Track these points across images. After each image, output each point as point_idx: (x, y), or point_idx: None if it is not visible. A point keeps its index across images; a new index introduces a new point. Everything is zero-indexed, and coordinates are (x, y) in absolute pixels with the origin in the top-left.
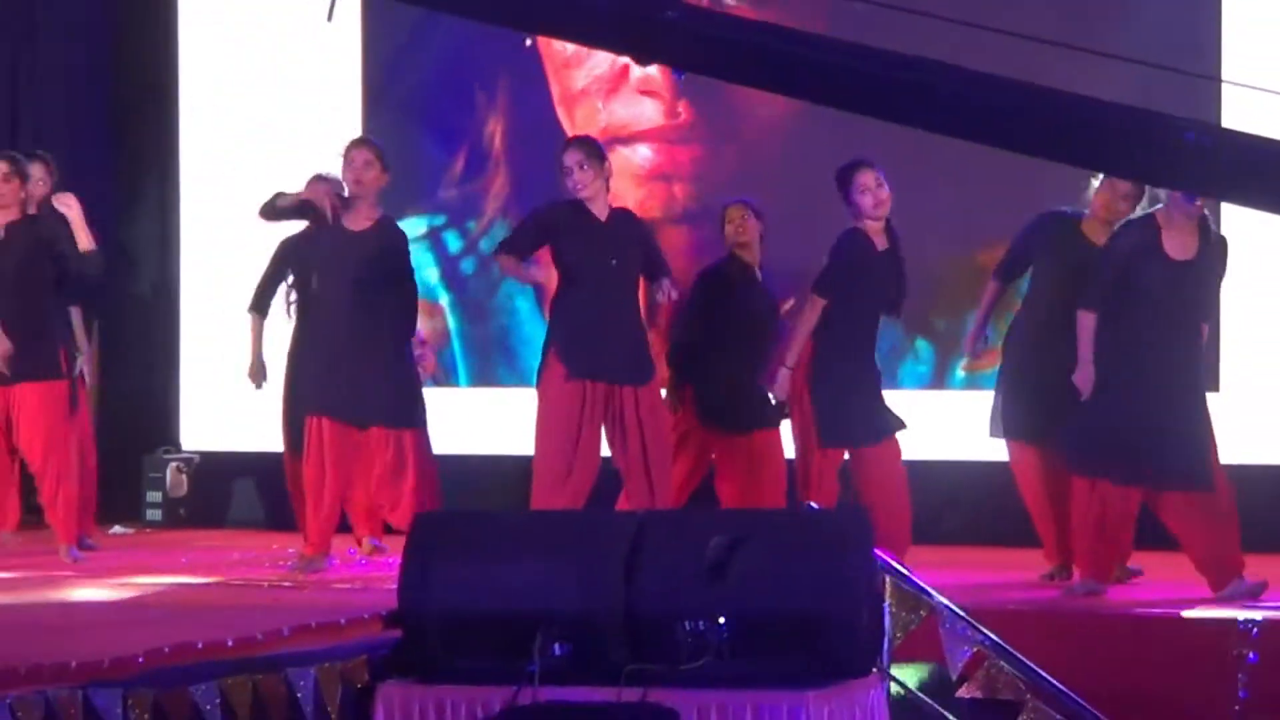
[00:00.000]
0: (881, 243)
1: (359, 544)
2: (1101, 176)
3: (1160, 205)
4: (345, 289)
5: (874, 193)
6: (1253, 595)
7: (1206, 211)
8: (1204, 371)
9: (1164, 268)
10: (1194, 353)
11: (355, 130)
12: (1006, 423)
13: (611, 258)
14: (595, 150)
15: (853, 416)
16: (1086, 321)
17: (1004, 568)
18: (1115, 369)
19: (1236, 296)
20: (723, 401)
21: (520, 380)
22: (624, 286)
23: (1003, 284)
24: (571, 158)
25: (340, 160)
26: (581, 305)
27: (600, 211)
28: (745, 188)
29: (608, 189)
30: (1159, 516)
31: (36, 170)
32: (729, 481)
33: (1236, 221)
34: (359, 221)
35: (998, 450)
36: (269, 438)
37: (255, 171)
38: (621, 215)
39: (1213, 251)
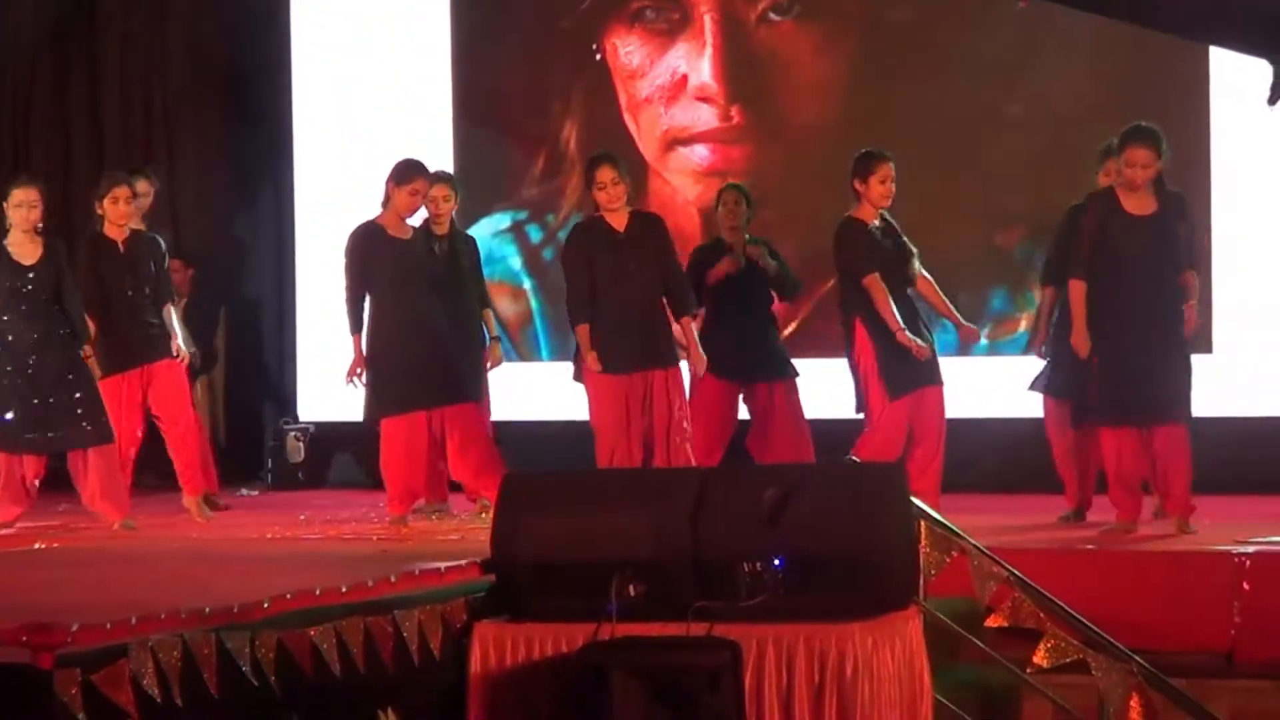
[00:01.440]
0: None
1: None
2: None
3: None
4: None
5: (890, 184)
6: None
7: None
8: (1180, 318)
9: (1127, 225)
10: (1172, 299)
11: (449, 136)
12: (1046, 380)
13: (631, 263)
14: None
15: (915, 364)
16: (1076, 289)
17: (1023, 512)
18: (1105, 325)
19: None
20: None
21: (556, 355)
22: (648, 284)
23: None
24: (606, 174)
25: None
26: (610, 308)
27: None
28: (789, 182)
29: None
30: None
31: (142, 185)
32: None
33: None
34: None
35: (1016, 408)
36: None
37: (360, 175)
38: (639, 217)
39: (1169, 205)
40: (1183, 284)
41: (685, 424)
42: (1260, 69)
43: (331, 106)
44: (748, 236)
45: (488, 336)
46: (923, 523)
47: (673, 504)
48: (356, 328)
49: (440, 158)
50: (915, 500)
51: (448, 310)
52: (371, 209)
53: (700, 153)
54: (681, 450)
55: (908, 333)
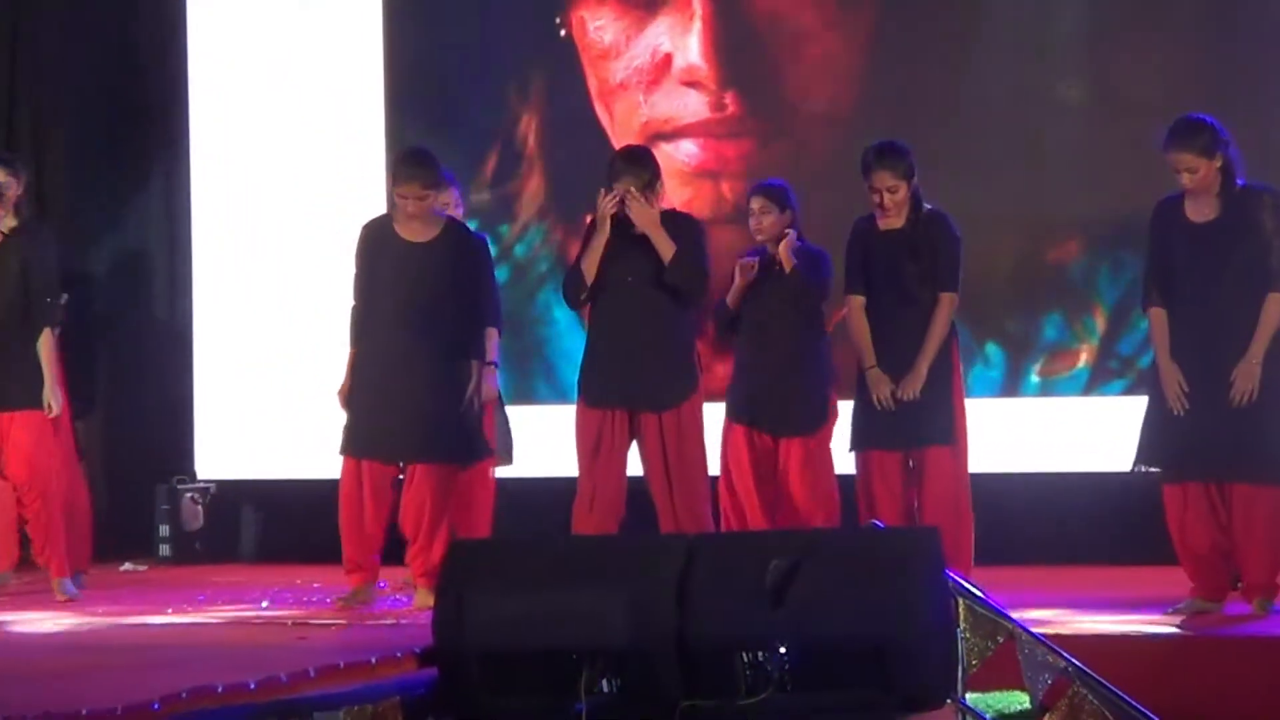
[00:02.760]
0: None
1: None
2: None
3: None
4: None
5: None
6: None
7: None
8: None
9: (1185, 237)
10: (1245, 324)
11: (378, 134)
12: None
13: (628, 275)
14: (649, 170)
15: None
16: (1151, 319)
17: (1081, 589)
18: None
19: None
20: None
21: (560, 397)
22: (645, 303)
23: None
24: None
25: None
26: (598, 328)
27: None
28: (799, 185)
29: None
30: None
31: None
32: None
33: None
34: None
35: (1076, 461)
36: (290, 464)
37: (272, 183)
38: (663, 221)
39: (1235, 208)
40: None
41: (695, 477)
42: None
43: (235, 93)
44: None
45: None
46: (961, 601)
47: (654, 578)
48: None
49: (368, 156)
50: (953, 574)
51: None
52: (287, 216)
53: (688, 149)
54: (693, 511)
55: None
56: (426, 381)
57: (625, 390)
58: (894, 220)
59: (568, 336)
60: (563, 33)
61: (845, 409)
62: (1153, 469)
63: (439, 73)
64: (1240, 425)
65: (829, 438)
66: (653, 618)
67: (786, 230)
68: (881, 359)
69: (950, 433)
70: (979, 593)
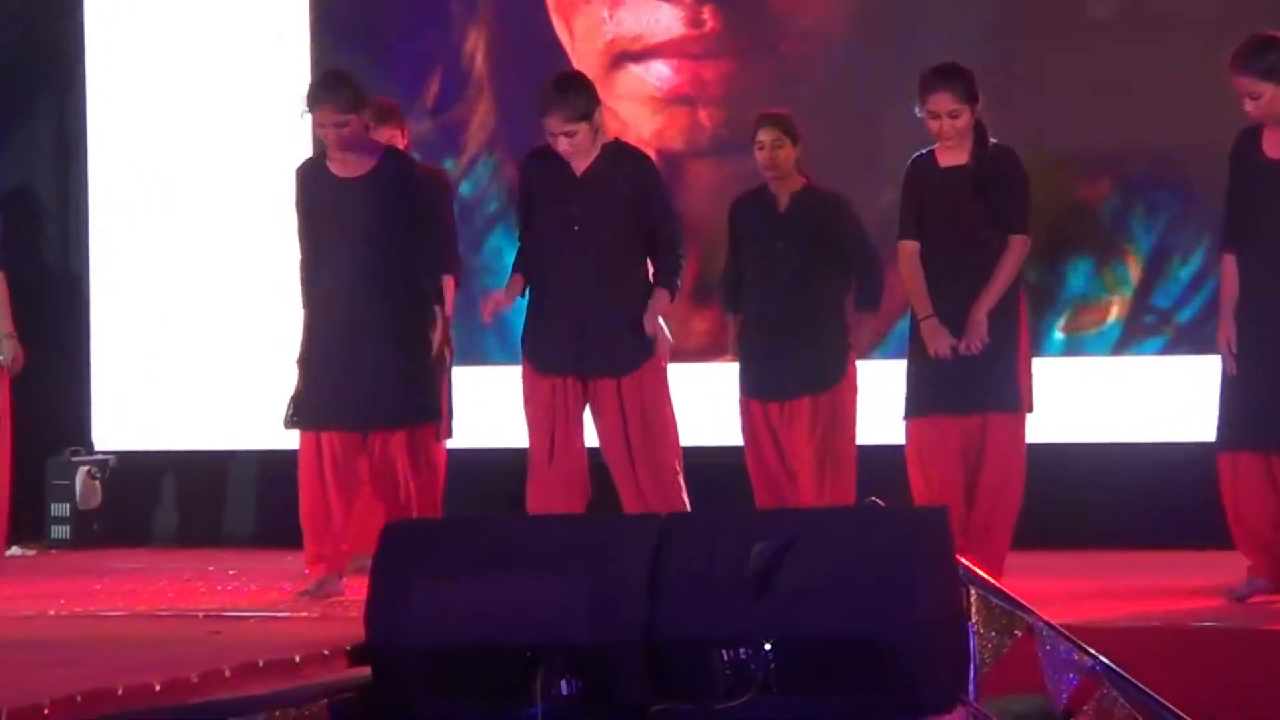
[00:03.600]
0: None
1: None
2: None
3: None
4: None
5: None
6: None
7: None
8: None
9: (1260, 174)
10: None
11: (303, 61)
12: None
13: (575, 222)
14: (585, 106)
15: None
16: (1224, 267)
17: (1119, 573)
18: (1237, 312)
19: None
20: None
21: (513, 356)
22: (595, 254)
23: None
24: (554, 124)
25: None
26: (543, 283)
27: (579, 164)
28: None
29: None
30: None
31: None
32: (794, 453)
33: None
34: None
35: (1107, 430)
36: (204, 435)
37: (181, 121)
38: (607, 156)
39: None
40: None
41: (663, 449)
42: None
43: (137, 22)
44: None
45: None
46: (973, 591)
47: (620, 564)
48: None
49: (292, 88)
50: (963, 561)
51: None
52: (200, 153)
53: (660, 71)
54: (660, 487)
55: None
56: (384, 336)
57: (577, 354)
58: (957, 154)
59: None
60: None
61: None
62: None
63: None
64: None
65: (849, 399)
66: (619, 610)
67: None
68: (941, 311)
69: (1015, 398)
70: (993, 581)
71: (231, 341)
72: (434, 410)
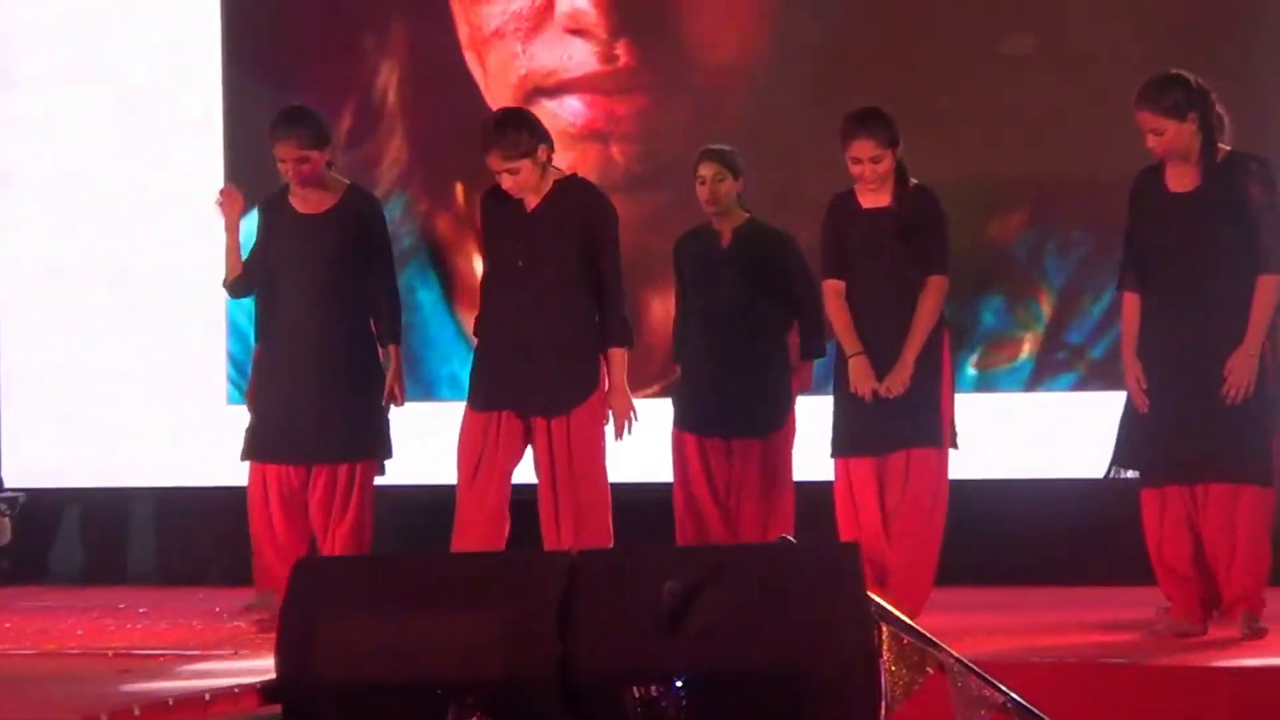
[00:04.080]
0: None
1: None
2: None
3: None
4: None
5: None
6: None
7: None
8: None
9: (1161, 208)
10: (1230, 309)
11: (213, 91)
12: None
13: (519, 259)
14: (526, 143)
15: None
16: (1124, 304)
17: (1035, 609)
18: (1141, 346)
19: None
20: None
21: (425, 392)
22: (538, 291)
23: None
24: (494, 163)
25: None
26: (486, 321)
27: (529, 200)
28: (700, 148)
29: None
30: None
31: None
32: (743, 500)
33: None
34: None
35: (1019, 466)
36: (108, 472)
37: (89, 155)
38: (558, 192)
39: (1218, 176)
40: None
41: (592, 490)
42: None
43: (42, 48)
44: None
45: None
46: (885, 628)
47: (532, 601)
48: None
49: (204, 115)
50: (875, 597)
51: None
52: (99, 194)
53: (573, 106)
54: (585, 527)
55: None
56: (334, 372)
57: (516, 391)
58: (879, 196)
59: (434, 323)
60: None
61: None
62: (1129, 473)
63: (284, 17)
64: (1222, 420)
65: (789, 440)
66: (531, 647)
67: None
68: (867, 350)
69: (937, 434)
70: (905, 618)
71: (140, 378)
72: (377, 448)
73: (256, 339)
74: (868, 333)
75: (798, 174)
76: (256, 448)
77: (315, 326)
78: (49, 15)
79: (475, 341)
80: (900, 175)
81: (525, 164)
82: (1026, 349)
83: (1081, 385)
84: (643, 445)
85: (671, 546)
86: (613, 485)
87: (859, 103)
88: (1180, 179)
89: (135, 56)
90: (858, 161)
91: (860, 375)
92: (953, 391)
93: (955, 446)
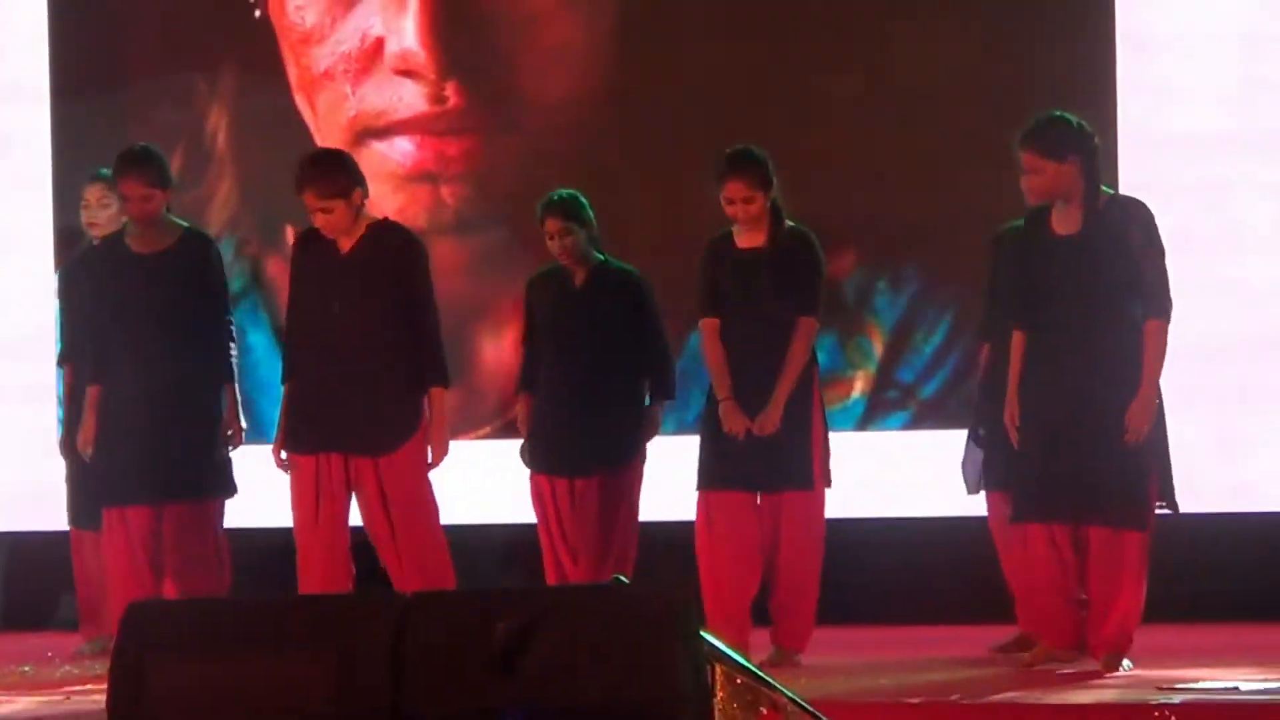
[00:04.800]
0: None
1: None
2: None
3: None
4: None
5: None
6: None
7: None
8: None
9: (1047, 252)
10: (1110, 349)
11: (42, 135)
12: (983, 469)
13: (334, 301)
14: (342, 184)
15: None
16: (1014, 344)
17: (878, 647)
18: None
19: None
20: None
21: (258, 434)
22: (355, 336)
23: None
24: (310, 200)
25: None
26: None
27: (345, 242)
28: (530, 188)
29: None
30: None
31: None
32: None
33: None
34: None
35: (850, 506)
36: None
37: None
38: (372, 235)
39: (1100, 219)
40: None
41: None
42: None
43: None
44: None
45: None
46: (719, 667)
47: (363, 642)
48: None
49: (33, 158)
50: (708, 637)
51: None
52: None
53: (402, 148)
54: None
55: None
56: (171, 412)
57: (336, 432)
58: (754, 236)
59: (265, 365)
60: (258, 13)
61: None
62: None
63: (115, 60)
64: (1107, 464)
65: (637, 479)
66: (362, 689)
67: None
68: (737, 389)
69: (809, 476)
70: (739, 657)
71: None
72: (218, 486)
73: (92, 380)
74: (740, 373)
75: (628, 212)
76: (113, 492)
77: (156, 367)
78: None
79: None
80: (776, 216)
81: (339, 204)
82: (859, 387)
83: (913, 424)
84: (477, 486)
85: (504, 588)
86: (449, 527)
87: (685, 141)
88: (1065, 221)
89: None
90: (731, 202)
91: (731, 417)
92: (825, 433)
93: (829, 485)
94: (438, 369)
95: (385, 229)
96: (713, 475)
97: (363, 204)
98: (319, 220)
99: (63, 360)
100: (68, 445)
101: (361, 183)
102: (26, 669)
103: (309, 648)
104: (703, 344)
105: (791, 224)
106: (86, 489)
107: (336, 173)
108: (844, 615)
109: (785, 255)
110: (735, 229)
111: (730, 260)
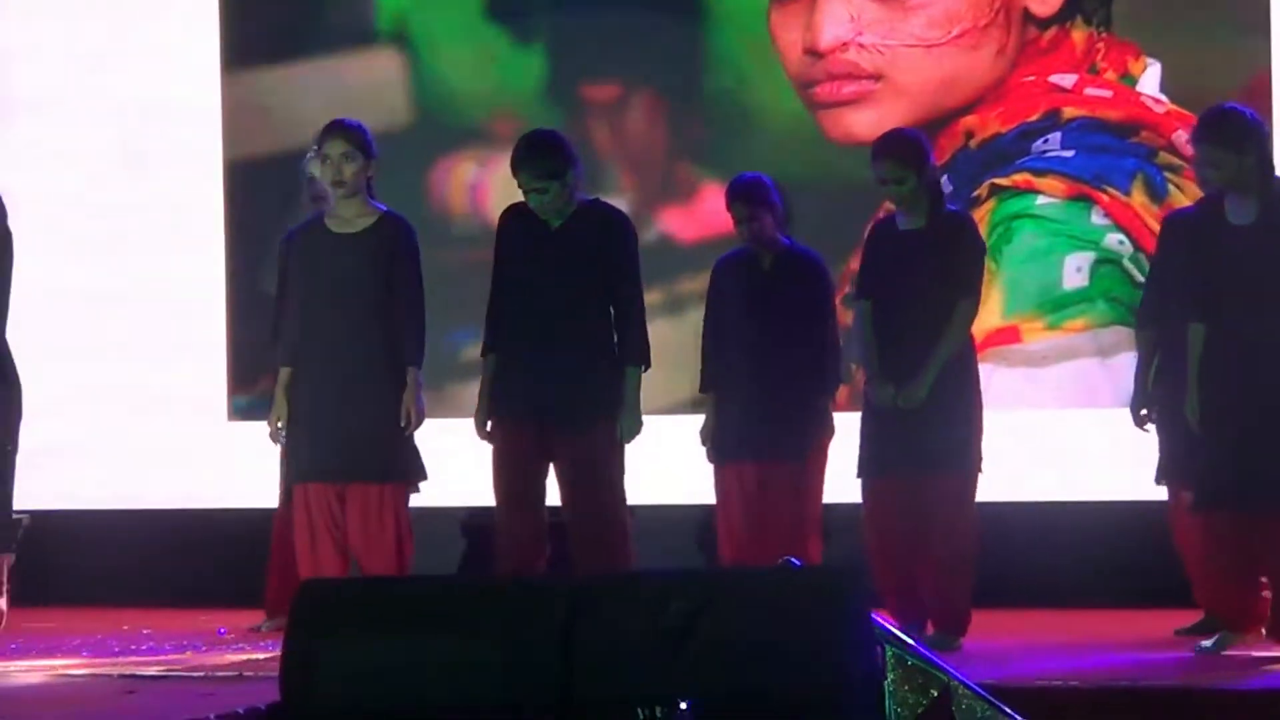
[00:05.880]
0: None
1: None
2: None
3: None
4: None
5: None
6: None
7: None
8: None
9: (1231, 236)
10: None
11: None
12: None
13: (540, 278)
14: (553, 166)
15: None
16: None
17: (1058, 631)
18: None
19: None
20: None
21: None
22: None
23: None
24: (526, 182)
25: None
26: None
27: (555, 220)
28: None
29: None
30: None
31: None
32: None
33: None
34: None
35: (1038, 488)
36: (112, 493)
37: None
38: (581, 214)
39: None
40: None
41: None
42: None
43: (43, 65)
44: None
45: None
46: (889, 649)
47: (534, 625)
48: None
49: (202, 134)
50: (880, 619)
51: None
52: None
53: None
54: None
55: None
56: (366, 391)
57: (538, 410)
58: (913, 218)
59: None
60: None
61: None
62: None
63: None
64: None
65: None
66: (533, 670)
67: None
68: (889, 372)
69: (965, 460)
70: (911, 639)
71: (141, 399)
72: (404, 470)
73: (284, 361)
74: (895, 355)
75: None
76: (300, 470)
77: (348, 348)
78: (49, 38)
79: (486, 358)
80: (935, 197)
81: (554, 185)
82: None
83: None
84: (664, 466)
85: (674, 569)
86: (635, 506)
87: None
88: (1240, 211)
89: (133, 78)
90: (883, 182)
91: (881, 391)
92: (981, 414)
93: (980, 470)
94: (640, 348)
95: (595, 207)
96: (872, 461)
97: (577, 185)
98: (532, 200)
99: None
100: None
101: (576, 163)
102: (263, 626)
103: (480, 629)
104: (855, 325)
105: (952, 207)
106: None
107: (552, 154)
108: (1013, 599)
109: (944, 238)
110: (895, 211)
111: (890, 242)
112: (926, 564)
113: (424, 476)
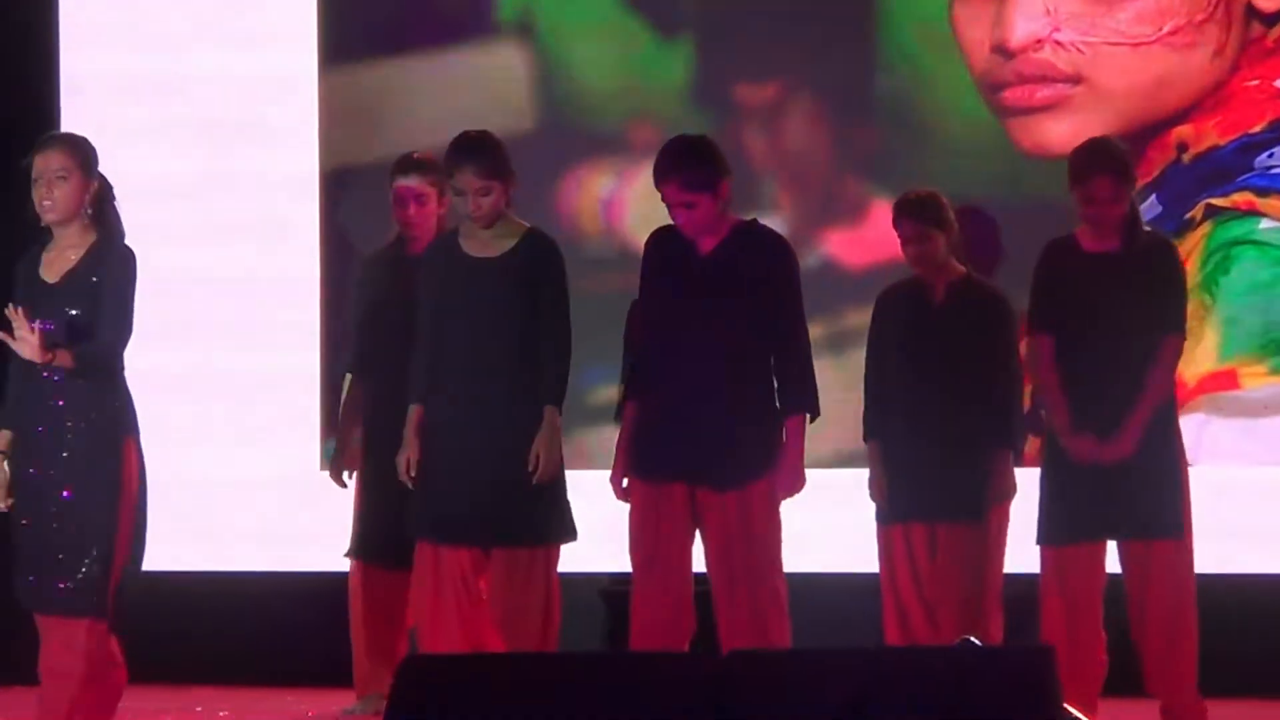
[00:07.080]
0: None
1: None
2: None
3: None
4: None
5: None
6: None
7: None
8: None
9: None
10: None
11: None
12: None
13: (690, 309)
14: (704, 176)
15: None
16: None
17: None
18: None
19: None
20: None
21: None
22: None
23: None
24: (670, 195)
25: None
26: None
27: (707, 241)
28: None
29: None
30: None
31: None
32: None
33: None
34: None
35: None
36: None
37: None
38: (736, 235)
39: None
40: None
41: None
42: None
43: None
44: None
45: None
46: None
47: (678, 706)
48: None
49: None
50: (1071, 709)
51: None
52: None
53: None
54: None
55: None
56: (522, 445)
57: (684, 462)
58: (1106, 239)
59: None
60: None
61: None
62: None
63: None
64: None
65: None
66: None
67: None
68: (1080, 424)
69: (1179, 522)
70: None
71: (222, 449)
72: (555, 529)
73: (415, 399)
74: (1086, 402)
75: None
76: (431, 527)
77: (488, 388)
78: (137, 21)
79: (628, 402)
80: (1133, 216)
81: (704, 198)
82: None
83: None
84: (825, 527)
85: (835, 648)
86: (791, 575)
87: None
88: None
89: (228, 65)
90: (1090, 201)
91: (1081, 447)
92: (1188, 472)
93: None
94: (805, 394)
95: (753, 229)
96: (1060, 527)
97: (729, 199)
98: (680, 217)
99: (351, 370)
100: (337, 467)
101: (728, 174)
102: (355, 709)
103: (614, 713)
104: (1034, 366)
105: (1149, 227)
106: (378, 518)
107: (703, 162)
108: (1231, 688)
109: (1145, 263)
110: (1081, 230)
111: (1075, 267)
112: (1147, 644)
113: (574, 536)
